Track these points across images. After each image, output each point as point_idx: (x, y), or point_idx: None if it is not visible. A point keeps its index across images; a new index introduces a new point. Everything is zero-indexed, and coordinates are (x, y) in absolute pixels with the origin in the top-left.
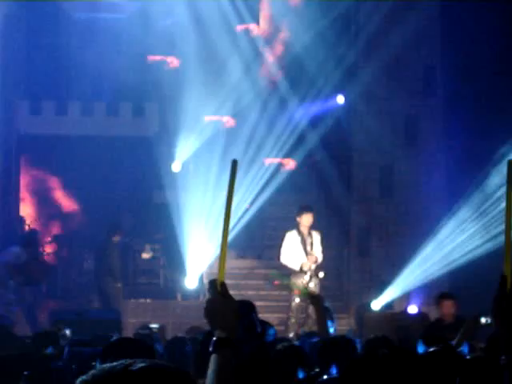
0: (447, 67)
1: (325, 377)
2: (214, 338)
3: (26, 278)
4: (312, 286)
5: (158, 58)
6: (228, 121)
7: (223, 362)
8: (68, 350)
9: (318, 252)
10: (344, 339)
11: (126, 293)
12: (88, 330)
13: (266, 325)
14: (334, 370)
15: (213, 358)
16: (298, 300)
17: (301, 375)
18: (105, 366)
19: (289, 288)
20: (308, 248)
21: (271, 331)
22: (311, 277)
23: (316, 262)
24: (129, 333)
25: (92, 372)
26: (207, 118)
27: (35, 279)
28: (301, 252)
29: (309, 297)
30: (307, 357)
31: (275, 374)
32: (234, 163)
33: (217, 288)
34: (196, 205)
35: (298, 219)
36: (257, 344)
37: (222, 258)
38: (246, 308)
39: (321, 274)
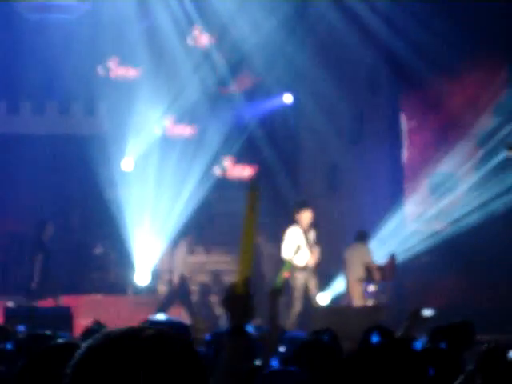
0: (392, 67)
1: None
2: (231, 326)
3: None
4: (313, 283)
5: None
6: (177, 121)
7: (237, 348)
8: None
9: (317, 249)
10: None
11: (79, 288)
12: (40, 326)
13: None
14: (274, 363)
15: (229, 347)
16: (300, 281)
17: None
18: (111, 330)
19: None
20: (309, 244)
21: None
22: (310, 273)
23: (318, 259)
24: (80, 328)
25: (97, 337)
26: (157, 118)
27: None
28: (305, 249)
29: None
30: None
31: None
32: (254, 183)
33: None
34: (145, 202)
35: (297, 217)
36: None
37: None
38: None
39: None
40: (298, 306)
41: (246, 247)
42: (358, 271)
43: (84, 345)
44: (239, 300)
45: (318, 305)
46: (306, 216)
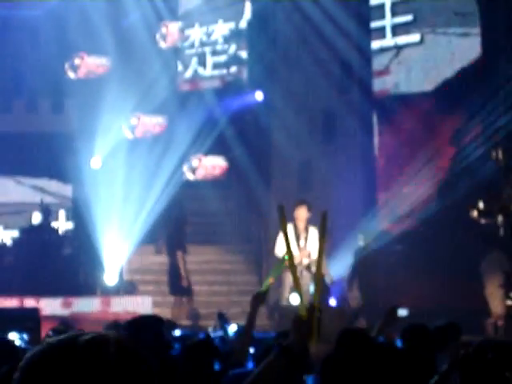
0: (363, 64)
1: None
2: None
3: None
4: (303, 281)
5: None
6: (147, 118)
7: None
8: None
9: (313, 247)
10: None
11: (47, 289)
12: (7, 327)
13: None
14: (250, 365)
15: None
16: (289, 279)
17: (217, 367)
18: (50, 339)
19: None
20: (302, 242)
21: (176, 345)
22: (302, 271)
23: (309, 256)
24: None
25: (37, 347)
26: (126, 116)
27: None
28: (296, 246)
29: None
30: (218, 349)
31: (189, 370)
32: (281, 209)
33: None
34: (114, 201)
35: (293, 214)
36: (163, 358)
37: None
38: (155, 323)
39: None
40: (283, 305)
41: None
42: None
43: (27, 354)
44: (304, 324)
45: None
46: (299, 213)
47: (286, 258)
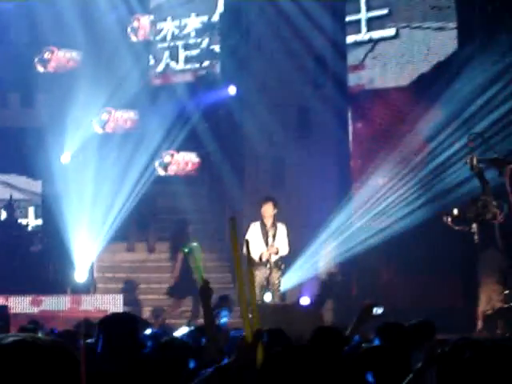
0: (338, 58)
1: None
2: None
3: None
4: (273, 278)
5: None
6: (118, 113)
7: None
8: None
9: (281, 244)
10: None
11: (16, 287)
12: None
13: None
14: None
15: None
16: (257, 278)
17: (192, 365)
18: None
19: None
20: (270, 239)
21: (149, 343)
22: (271, 268)
23: (276, 253)
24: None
25: None
26: (97, 110)
27: None
28: (261, 243)
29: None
30: (190, 347)
31: (163, 369)
32: (233, 220)
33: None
34: (84, 196)
35: (261, 211)
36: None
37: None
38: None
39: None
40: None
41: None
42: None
43: None
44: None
45: (280, 300)
46: (265, 209)
47: (186, 250)
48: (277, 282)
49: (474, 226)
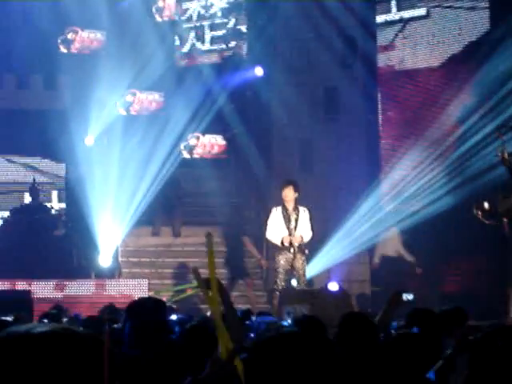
0: (367, 39)
1: None
2: None
3: None
4: (298, 263)
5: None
6: (143, 95)
7: None
8: None
9: (304, 228)
10: None
11: (40, 272)
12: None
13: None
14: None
15: None
16: (282, 262)
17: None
18: (8, 328)
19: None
20: (292, 224)
21: (176, 329)
22: (295, 253)
23: (301, 241)
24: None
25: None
26: (121, 92)
27: None
28: (283, 228)
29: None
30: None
31: (191, 354)
32: (209, 236)
33: None
34: (108, 180)
35: (282, 195)
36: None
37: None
38: (156, 306)
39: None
40: (279, 288)
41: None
42: None
43: None
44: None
45: (306, 286)
46: (285, 193)
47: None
48: (301, 267)
49: (505, 220)
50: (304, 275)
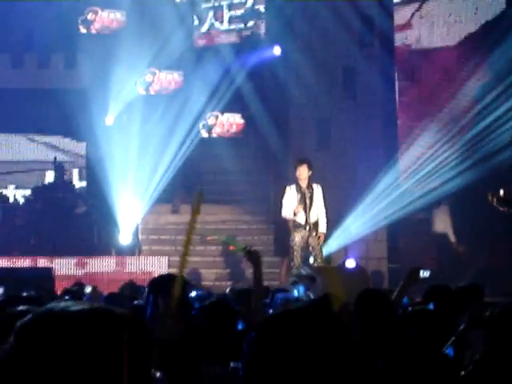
0: (384, 18)
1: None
2: None
3: None
4: (314, 240)
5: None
6: (162, 74)
7: None
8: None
9: (319, 205)
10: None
11: (61, 249)
12: (20, 287)
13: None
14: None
15: None
16: (297, 239)
17: (240, 326)
18: (44, 307)
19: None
20: (307, 201)
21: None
22: (310, 231)
23: (320, 238)
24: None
25: (33, 313)
26: (141, 71)
27: None
28: (302, 206)
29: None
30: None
31: (212, 331)
32: (200, 194)
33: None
34: (128, 158)
35: (296, 173)
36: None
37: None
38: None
39: (322, 229)
40: (296, 265)
41: (186, 251)
42: None
43: (23, 319)
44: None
45: (323, 263)
46: (300, 171)
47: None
48: (317, 244)
49: None
50: (320, 252)
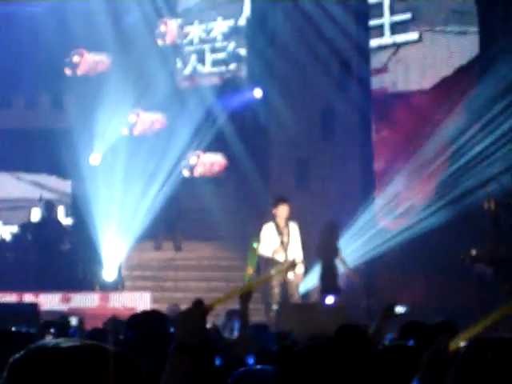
0: (362, 62)
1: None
2: (177, 343)
3: None
4: (291, 276)
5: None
6: (145, 115)
7: (180, 368)
8: None
9: (295, 243)
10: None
11: (46, 284)
12: (5, 322)
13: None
14: (250, 360)
15: (170, 362)
16: (273, 272)
17: (218, 362)
18: (36, 344)
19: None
20: (285, 238)
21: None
22: (288, 269)
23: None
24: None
25: (24, 350)
26: (125, 112)
27: None
28: (277, 243)
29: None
30: (215, 343)
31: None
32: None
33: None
34: (113, 197)
35: (274, 211)
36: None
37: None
38: (157, 319)
39: (299, 269)
40: (275, 302)
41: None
42: None
43: (16, 356)
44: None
45: (297, 299)
46: (282, 210)
47: (255, 245)
48: (295, 280)
49: (490, 269)
50: (297, 288)
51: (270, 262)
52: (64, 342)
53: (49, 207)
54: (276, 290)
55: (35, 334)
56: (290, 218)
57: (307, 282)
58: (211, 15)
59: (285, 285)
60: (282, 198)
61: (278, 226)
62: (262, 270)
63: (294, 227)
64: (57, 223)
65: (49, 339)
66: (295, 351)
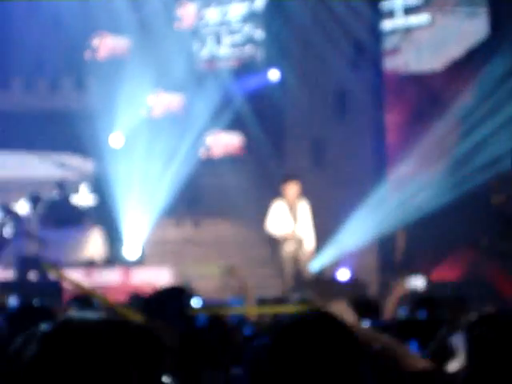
0: (374, 43)
1: None
2: None
3: None
4: (302, 254)
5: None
6: (164, 96)
7: None
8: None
9: (305, 221)
10: None
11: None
12: (31, 299)
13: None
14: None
15: None
16: (288, 250)
17: (248, 332)
18: (64, 317)
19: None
20: (294, 217)
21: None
22: (298, 245)
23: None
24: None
25: (54, 323)
26: (145, 94)
27: None
28: (289, 221)
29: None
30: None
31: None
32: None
33: None
34: (134, 177)
35: (283, 188)
36: (185, 328)
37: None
38: (177, 292)
39: (309, 246)
40: (287, 278)
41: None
42: None
43: (42, 328)
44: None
45: (309, 276)
46: (290, 189)
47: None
48: (305, 257)
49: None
50: (306, 265)
51: (278, 241)
52: (90, 316)
53: (66, 187)
54: (288, 264)
55: (59, 308)
56: (301, 196)
57: (321, 259)
58: None
59: (296, 262)
60: (291, 176)
61: (287, 204)
62: (274, 246)
63: (303, 205)
64: (72, 203)
65: (74, 313)
66: (284, 324)
